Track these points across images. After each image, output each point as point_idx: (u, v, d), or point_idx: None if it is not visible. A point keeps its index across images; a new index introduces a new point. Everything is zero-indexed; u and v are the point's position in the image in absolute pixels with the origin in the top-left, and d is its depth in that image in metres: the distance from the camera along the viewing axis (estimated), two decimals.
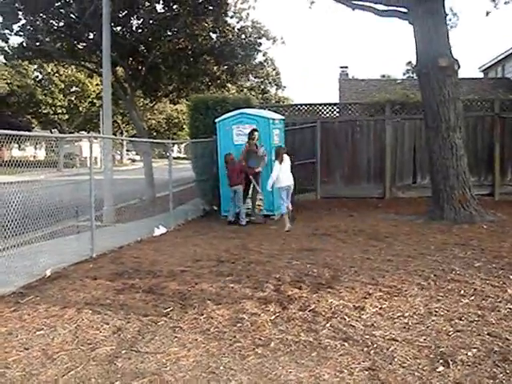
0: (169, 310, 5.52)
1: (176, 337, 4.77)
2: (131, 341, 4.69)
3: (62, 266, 7.62)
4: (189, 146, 17.58)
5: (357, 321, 5.07)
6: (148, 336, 4.80)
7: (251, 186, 12.35)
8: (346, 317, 5.18)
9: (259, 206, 12.50)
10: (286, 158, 11.63)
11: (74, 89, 44.70)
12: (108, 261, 8.17)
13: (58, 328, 5.03)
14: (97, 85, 40.75)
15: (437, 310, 5.34)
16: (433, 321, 5.02)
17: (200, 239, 10.14)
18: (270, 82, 28.95)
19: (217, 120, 13.17)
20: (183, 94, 22.33)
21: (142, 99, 25.16)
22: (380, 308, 5.43)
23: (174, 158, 16.23)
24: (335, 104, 17.11)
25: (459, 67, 11.90)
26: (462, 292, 5.95)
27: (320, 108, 16.30)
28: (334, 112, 16.38)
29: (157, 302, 5.83)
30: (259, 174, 12.27)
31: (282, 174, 11.35)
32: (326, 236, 10.10)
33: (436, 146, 11.76)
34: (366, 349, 4.40)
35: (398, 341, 4.54)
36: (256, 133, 12.27)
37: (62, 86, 43.38)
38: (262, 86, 29.51)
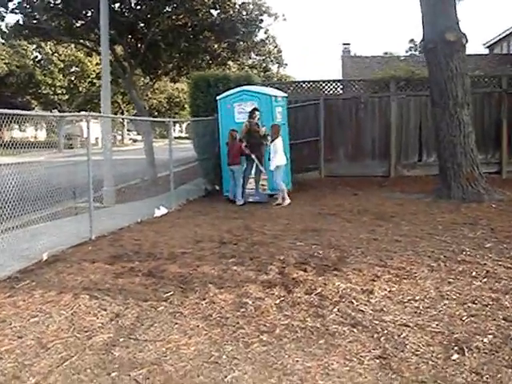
0: (169, 294, 5.30)
1: (176, 323, 4.56)
2: (129, 328, 4.48)
3: (59, 249, 7.40)
4: (190, 124, 17.29)
5: (365, 305, 4.85)
6: (147, 322, 4.59)
7: (254, 165, 12.09)
8: (353, 301, 4.96)
9: (263, 185, 12.28)
10: (279, 137, 11.70)
11: (73, 69, 44.14)
12: (107, 243, 7.94)
13: (53, 315, 4.81)
14: (97, 64, 40.21)
15: (448, 293, 5.12)
16: (445, 305, 4.81)
17: (202, 220, 9.91)
18: (271, 60, 28.43)
19: (218, 97, 12.88)
20: (183, 72, 21.96)
21: (141, 78, 24.80)
22: (389, 291, 5.21)
23: (176, 138, 15.97)
24: (339, 81, 16.85)
25: (467, 42, 11.57)
26: (474, 274, 5.73)
27: (323, 85, 16.01)
28: (338, 89, 16.11)
29: (157, 285, 5.61)
30: (263, 153, 12.00)
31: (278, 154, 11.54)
32: (331, 216, 9.86)
33: (443, 123, 11.47)
34: (376, 335, 4.18)
35: (409, 326, 4.32)
36: (257, 112, 11.98)
37: (62, 65, 42.79)
38: (264, 64, 28.99)
